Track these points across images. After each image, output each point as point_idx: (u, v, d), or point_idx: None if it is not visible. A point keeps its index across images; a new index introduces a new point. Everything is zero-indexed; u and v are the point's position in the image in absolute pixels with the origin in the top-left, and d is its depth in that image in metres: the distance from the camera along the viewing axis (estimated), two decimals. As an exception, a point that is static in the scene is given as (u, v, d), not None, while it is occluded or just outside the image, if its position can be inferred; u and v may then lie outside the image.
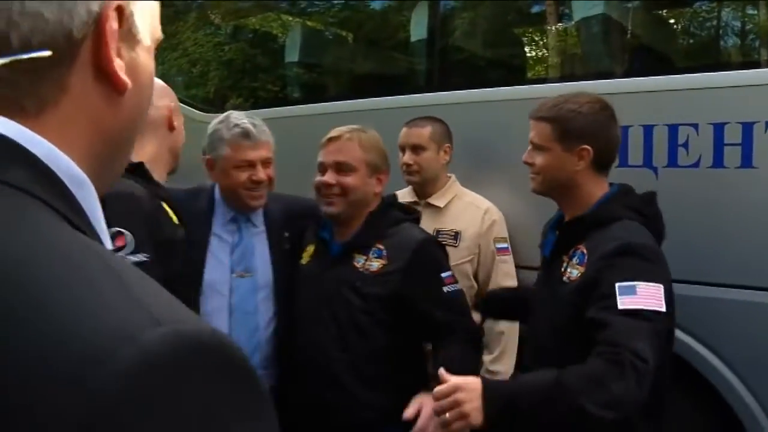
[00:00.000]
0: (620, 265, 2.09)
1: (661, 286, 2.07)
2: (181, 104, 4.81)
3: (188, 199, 2.77)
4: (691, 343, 2.92)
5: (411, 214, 2.76)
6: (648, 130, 3.01)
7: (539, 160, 2.34)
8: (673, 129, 2.98)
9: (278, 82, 5.02)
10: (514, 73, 3.94)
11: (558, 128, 2.29)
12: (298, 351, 2.67)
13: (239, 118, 2.74)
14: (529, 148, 2.38)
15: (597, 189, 2.33)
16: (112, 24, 0.69)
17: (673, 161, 2.99)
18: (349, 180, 2.59)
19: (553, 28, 3.85)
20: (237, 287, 2.73)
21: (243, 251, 2.77)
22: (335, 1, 4.81)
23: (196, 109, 4.82)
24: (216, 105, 5.01)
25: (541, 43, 4.01)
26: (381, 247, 2.59)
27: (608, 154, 2.35)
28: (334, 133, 2.65)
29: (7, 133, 0.65)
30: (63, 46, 0.66)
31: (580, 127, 2.28)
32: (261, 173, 2.69)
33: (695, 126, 2.92)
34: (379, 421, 2.53)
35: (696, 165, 2.93)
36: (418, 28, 3.95)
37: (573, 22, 3.72)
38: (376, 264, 2.57)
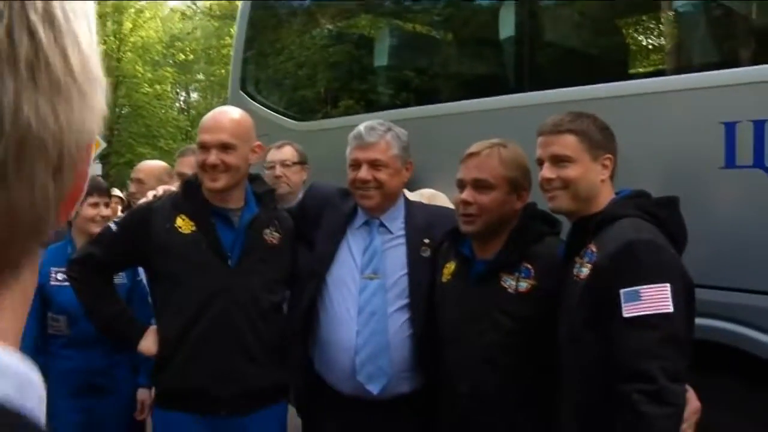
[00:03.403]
0: (624, 267, 2.11)
1: (668, 284, 2.06)
2: (277, 114, 4.91)
3: (337, 197, 2.99)
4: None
5: (553, 223, 2.64)
6: (759, 126, 2.73)
7: (568, 172, 2.34)
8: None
9: (371, 87, 4.95)
10: (614, 67, 3.70)
11: (585, 139, 2.34)
12: (442, 370, 2.69)
13: (371, 122, 2.92)
14: (546, 164, 2.37)
15: (610, 197, 2.38)
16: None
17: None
18: (487, 199, 2.53)
19: (651, 17, 3.60)
20: (364, 288, 2.80)
21: (372, 254, 2.85)
22: (435, 2, 4.68)
23: (289, 118, 4.84)
24: (308, 113, 5.02)
25: (639, 35, 3.76)
26: (529, 266, 2.52)
27: (617, 164, 2.42)
28: (473, 148, 2.61)
29: None
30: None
31: (602, 138, 2.38)
32: (364, 173, 2.79)
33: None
34: None
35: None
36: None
37: (671, 12, 3.45)
38: (524, 284, 2.51)
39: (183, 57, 25.48)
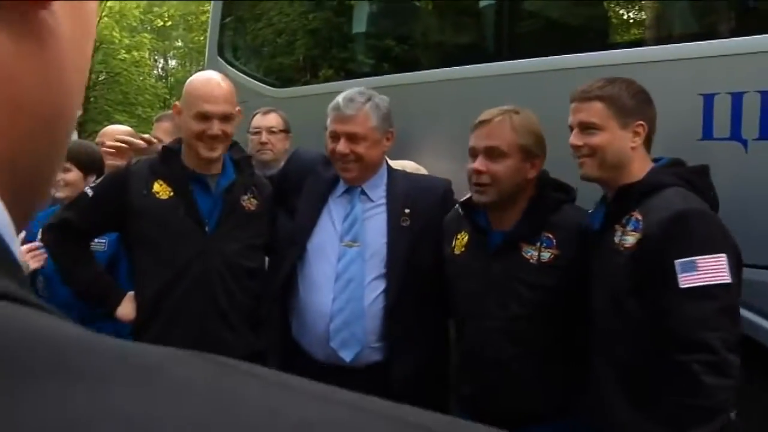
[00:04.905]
0: (678, 237, 2.08)
1: (724, 254, 2.05)
2: (255, 81, 4.86)
3: (320, 164, 2.94)
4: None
5: (567, 190, 2.62)
6: (737, 98, 2.73)
7: (595, 140, 2.31)
8: (766, 96, 2.69)
9: (350, 54, 4.90)
10: (593, 37, 3.68)
11: (613, 106, 2.29)
12: (463, 343, 2.69)
13: (351, 91, 2.84)
14: (575, 131, 2.34)
15: (645, 165, 2.33)
16: None
17: (766, 133, 2.69)
18: (500, 167, 2.48)
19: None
20: (343, 255, 2.79)
21: (353, 221, 2.83)
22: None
23: (268, 85, 4.79)
24: (287, 80, 4.96)
25: (619, 5, 3.74)
26: (549, 236, 2.49)
27: (654, 129, 2.37)
28: (484, 116, 2.55)
29: None
30: None
31: (634, 104, 2.32)
32: (342, 146, 2.74)
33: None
34: (547, 414, 2.53)
35: (794, 137, 2.64)
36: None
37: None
38: (547, 254, 2.48)
39: (161, 23, 25.10)
